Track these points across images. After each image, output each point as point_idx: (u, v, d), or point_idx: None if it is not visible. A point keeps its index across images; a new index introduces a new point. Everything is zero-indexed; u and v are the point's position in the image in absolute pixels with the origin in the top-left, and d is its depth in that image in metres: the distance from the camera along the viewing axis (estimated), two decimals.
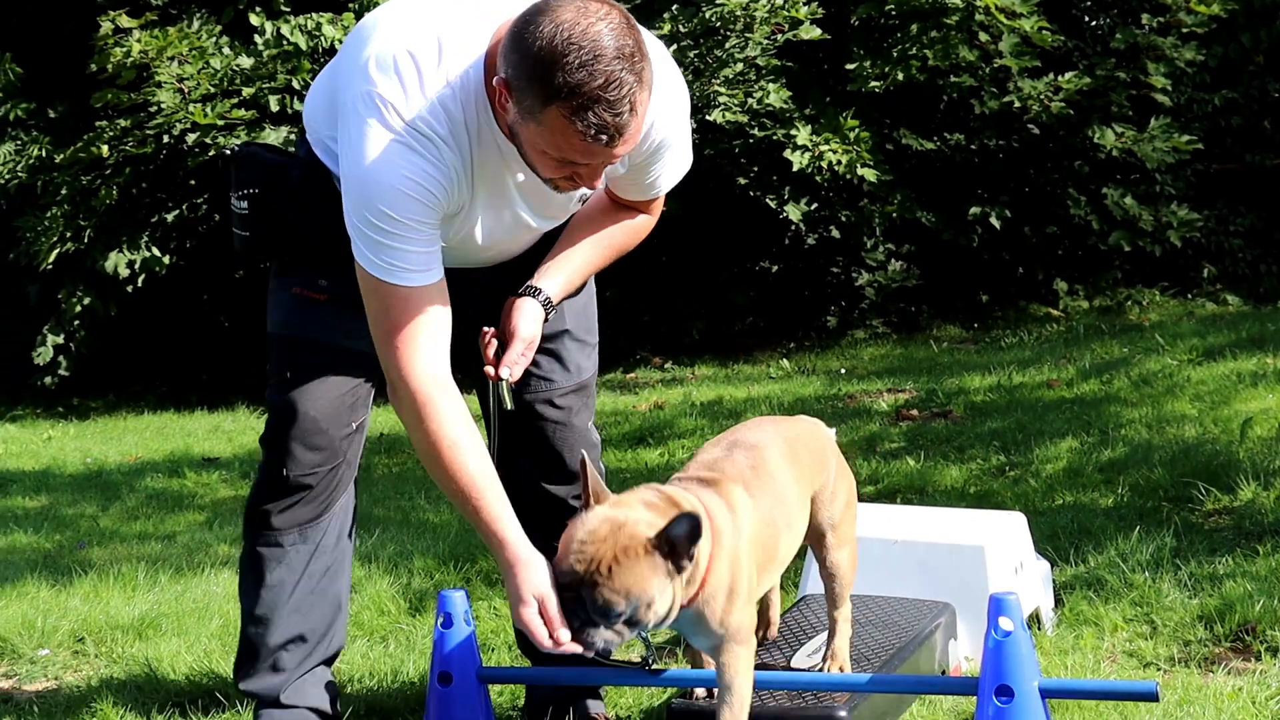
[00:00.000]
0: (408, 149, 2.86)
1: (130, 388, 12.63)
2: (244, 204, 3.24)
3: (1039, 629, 4.02)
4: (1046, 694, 2.89)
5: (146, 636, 4.59)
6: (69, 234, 11.20)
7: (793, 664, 3.41)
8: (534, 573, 2.82)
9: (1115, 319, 10.92)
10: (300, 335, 3.25)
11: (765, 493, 2.98)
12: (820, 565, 3.23)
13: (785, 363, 10.72)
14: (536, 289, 3.17)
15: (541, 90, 2.70)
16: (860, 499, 4.96)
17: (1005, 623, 2.87)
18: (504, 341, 3.16)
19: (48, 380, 12.10)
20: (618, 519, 2.72)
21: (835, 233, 11.63)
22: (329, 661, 3.48)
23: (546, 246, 3.29)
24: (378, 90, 2.86)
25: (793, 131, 10.55)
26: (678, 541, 2.68)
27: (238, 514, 3.10)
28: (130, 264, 11.29)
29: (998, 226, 11.37)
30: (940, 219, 11.55)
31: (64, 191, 11.19)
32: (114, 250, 11.29)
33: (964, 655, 3.81)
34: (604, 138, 2.72)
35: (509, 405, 3.21)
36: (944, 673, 3.68)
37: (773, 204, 11.16)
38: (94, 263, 11.35)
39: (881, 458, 6.72)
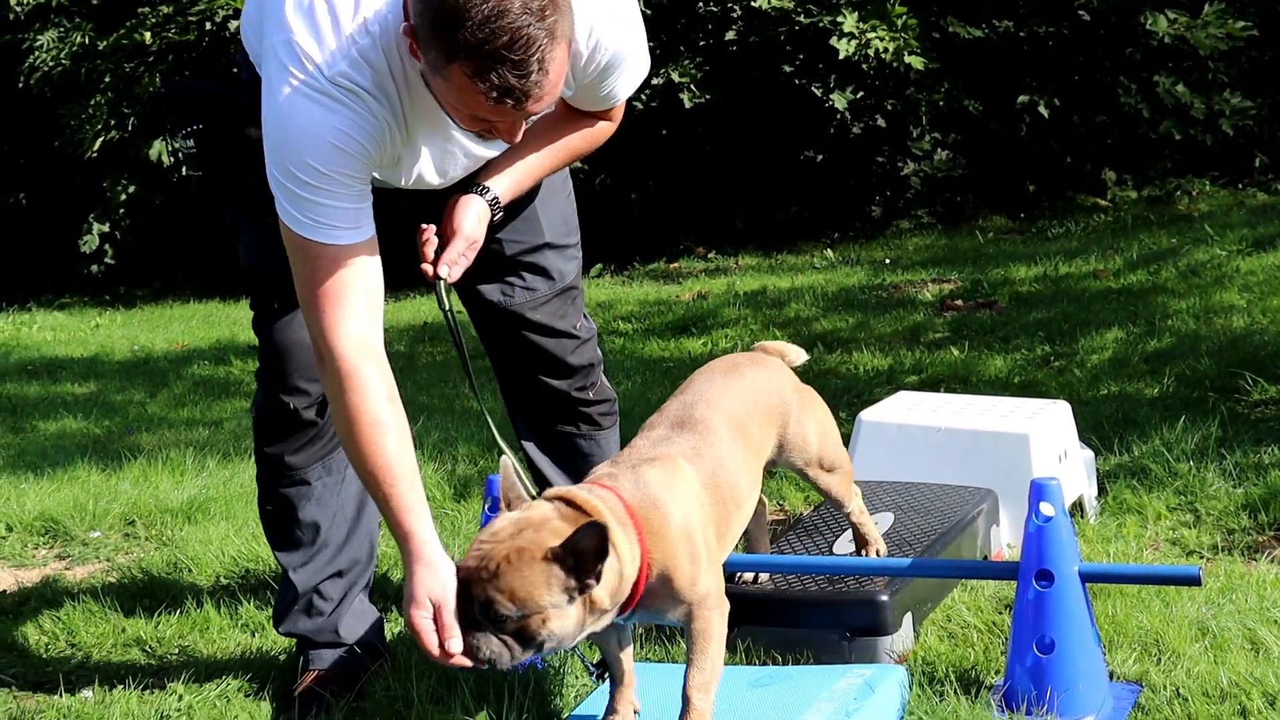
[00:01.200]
0: (332, 101, 2.68)
1: (176, 276, 12.69)
2: (190, 143, 3.09)
3: (1082, 517, 4.01)
4: (1087, 578, 2.89)
5: (195, 520, 4.65)
6: (113, 122, 11.20)
7: (834, 549, 3.42)
8: (434, 575, 2.55)
9: (1164, 209, 10.78)
10: (277, 268, 2.94)
11: (713, 462, 2.78)
12: (815, 488, 3.14)
13: (829, 253, 10.67)
14: (484, 188, 3.02)
15: (443, 46, 2.51)
16: (903, 388, 4.98)
17: (1046, 508, 2.87)
18: (445, 240, 3.00)
19: (94, 269, 12.18)
20: (524, 521, 2.52)
21: (881, 122, 11.49)
22: (368, 585, 3.40)
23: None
24: (295, 39, 2.68)
25: (839, 18, 10.40)
26: (583, 555, 2.43)
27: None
28: (174, 151, 11.29)
29: (1046, 115, 11.21)
30: (987, 108, 11.39)
31: (107, 79, 11.18)
32: (158, 138, 11.29)
33: (1006, 542, 3.82)
34: (509, 101, 2.53)
35: (447, 305, 3.03)
36: (985, 558, 3.69)
37: (818, 92, 11.04)
38: (138, 151, 11.36)
39: (925, 348, 6.70)
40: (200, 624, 3.70)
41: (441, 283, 2.97)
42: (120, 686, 3.28)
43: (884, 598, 3.11)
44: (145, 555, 4.36)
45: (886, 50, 10.22)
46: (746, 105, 11.33)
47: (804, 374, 6.34)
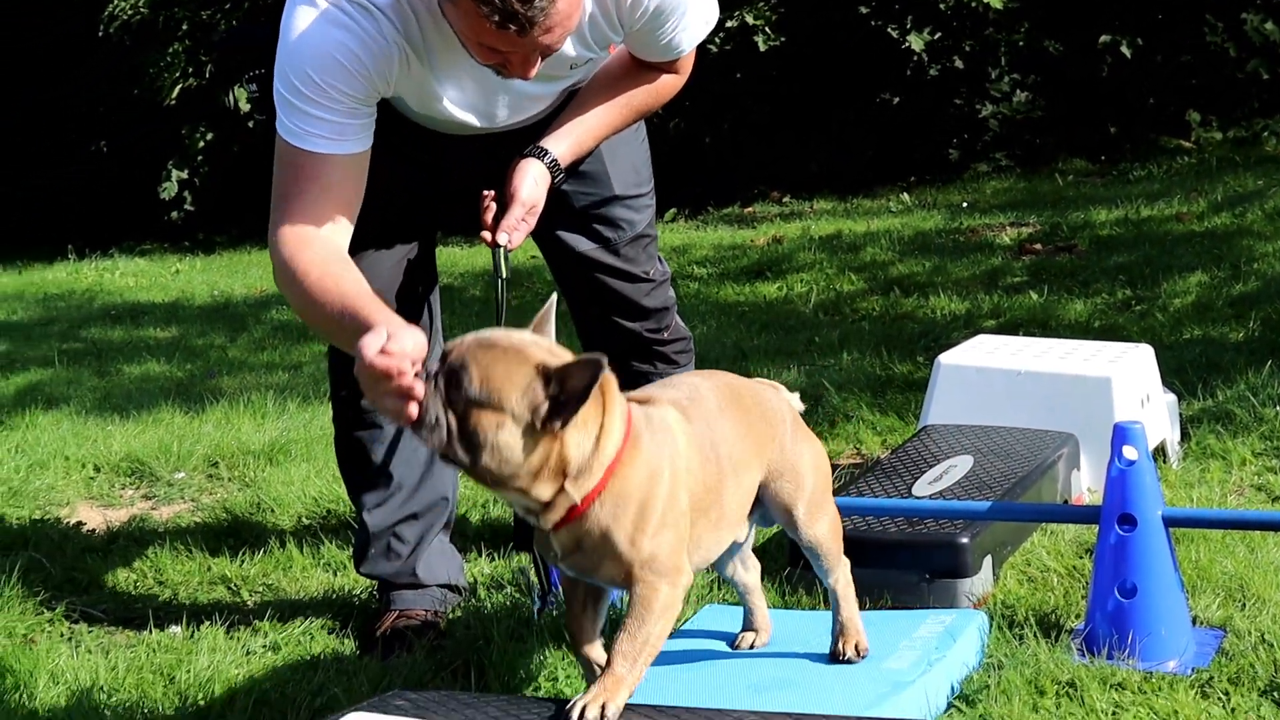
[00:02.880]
0: (344, 16, 2.68)
1: (254, 222, 12.80)
2: (254, 87, 3.13)
3: (1164, 462, 3.98)
4: (1170, 523, 2.87)
5: (277, 461, 4.71)
6: (190, 69, 11.28)
7: (913, 492, 3.41)
8: (407, 331, 2.29)
9: (1250, 150, 10.60)
10: None
11: (703, 423, 2.47)
12: (798, 542, 2.68)
13: (905, 197, 10.58)
14: (543, 150, 2.97)
15: None
16: (981, 333, 4.94)
17: (1129, 451, 2.84)
18: (504, 205, 2.96)
19: (174, 215, 12.30)
20: (528, 334, 2.29)
21: (959, 63, 11.35)
22: (448, 525, 3.41)
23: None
24: None
25: None
26: (570, 390, 2.18)
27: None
28: (251, 98, 11.36)
29: (1128, 55, 11.03)
30: (1068, 48, 11.22)
31: (185, 26, 11.25)
32: (235, 85, 11.36)
33: (1087, 487, 3.79)
34: (512, 26, 2.47)
35: (505, 273, 3.00)
36: (1065, 502, 3.67)
37: (895, 34, 10.92)
38: (216, 98, 11.44)
39: (1004, 292, 6.64)
40: (283, 563, 3.75)
41: (501, 250, 2.96)
42: (206, 623, 3.34)
43: (964, 540, 3.10)
44: (229, 496, 4.42)
45: None
46: (822, 47, 11.23)
47: (880, 318, 6.33)
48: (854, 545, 3.15)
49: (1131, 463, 2.84)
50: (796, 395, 2.77)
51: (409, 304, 3.20)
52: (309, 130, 2.71)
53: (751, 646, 2.78)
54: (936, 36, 11.01)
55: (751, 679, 2.61)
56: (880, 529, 3.21)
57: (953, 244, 8.09)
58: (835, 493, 2.76)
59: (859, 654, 2.64)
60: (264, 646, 3.21)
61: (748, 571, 2.81)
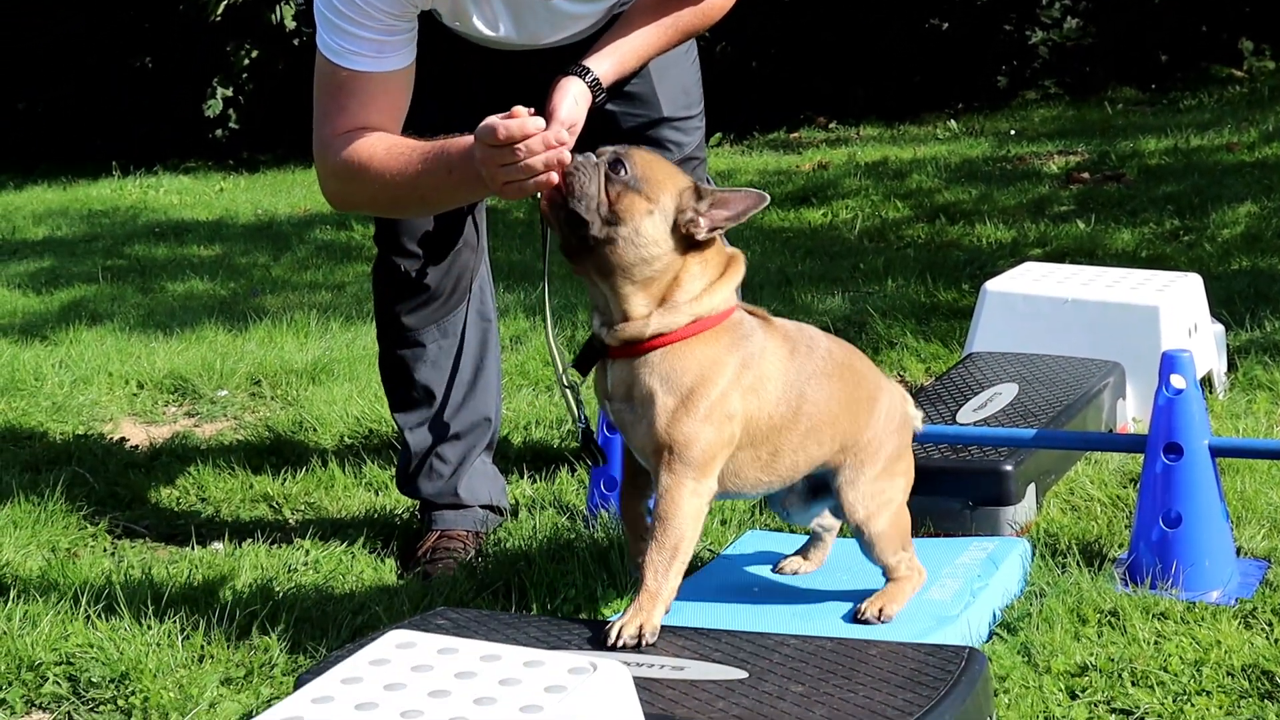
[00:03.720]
0: None
1: (298, 141, 12.78)
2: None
3: (1211, 392, 3.94)
4: (1217, 452, 2.84)
5: (319, 381, 4.72)
6: None
7: (957, 419, 3.39)
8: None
9: None
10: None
11: (801, 369, 2.45)
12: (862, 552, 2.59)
13: (953, 123, 10.47)
14: (585, 69, 2.88)
15: None
16: (1026, 260, 4.89)
17: (1177, 380, 2.81)
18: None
19: (218, 133, 12.29)
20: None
21: None
22: (490, 446, 3.41)
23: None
24: None
25: None
26: (721, 209, 2.36)
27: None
28: (297, 15, 11.31)
29: None
30: None
31: None
32: (281, 1, 11.31)
33: (1132, 416, 3.76)
34: None
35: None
36: (1110, 431, 3.64)
37: None
38: (261, 15, 11.40)
39: (1050, 220, 6.58)
40: (325, 482, 3.76)
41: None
42: (249, 540, 3.36)
43: (1008, 468, 3.08)
44: (271, 414, 4.44)
45: None
46: None
47: (925, 245, 6.28)
48: None
49: (1179, 391, 2.81)
50: (919, 414, 2.67)
51: (453, 221, 3.20)
52: (349, 49, 2.74)
53: (795, 572, 2.75)
54: None
55: (794, 605, 2.61)
56: (924, 455, 3.18)
57: (999, 172, 8.01)
58: None
59: (880, 618, 2.50)
60: (305, 564, 3.23)
61: (825, 529, 2.76)
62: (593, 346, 2.47)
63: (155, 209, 9.65)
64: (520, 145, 2.41)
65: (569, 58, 2.94)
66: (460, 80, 3.04)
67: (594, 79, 2.90)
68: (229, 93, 11.99)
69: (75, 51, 13.02)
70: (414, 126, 2.81)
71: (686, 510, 2.32)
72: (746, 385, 2.38)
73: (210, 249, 7.81)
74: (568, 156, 2.41)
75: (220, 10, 11.14)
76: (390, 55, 2.77)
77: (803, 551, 2.79)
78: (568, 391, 2.60)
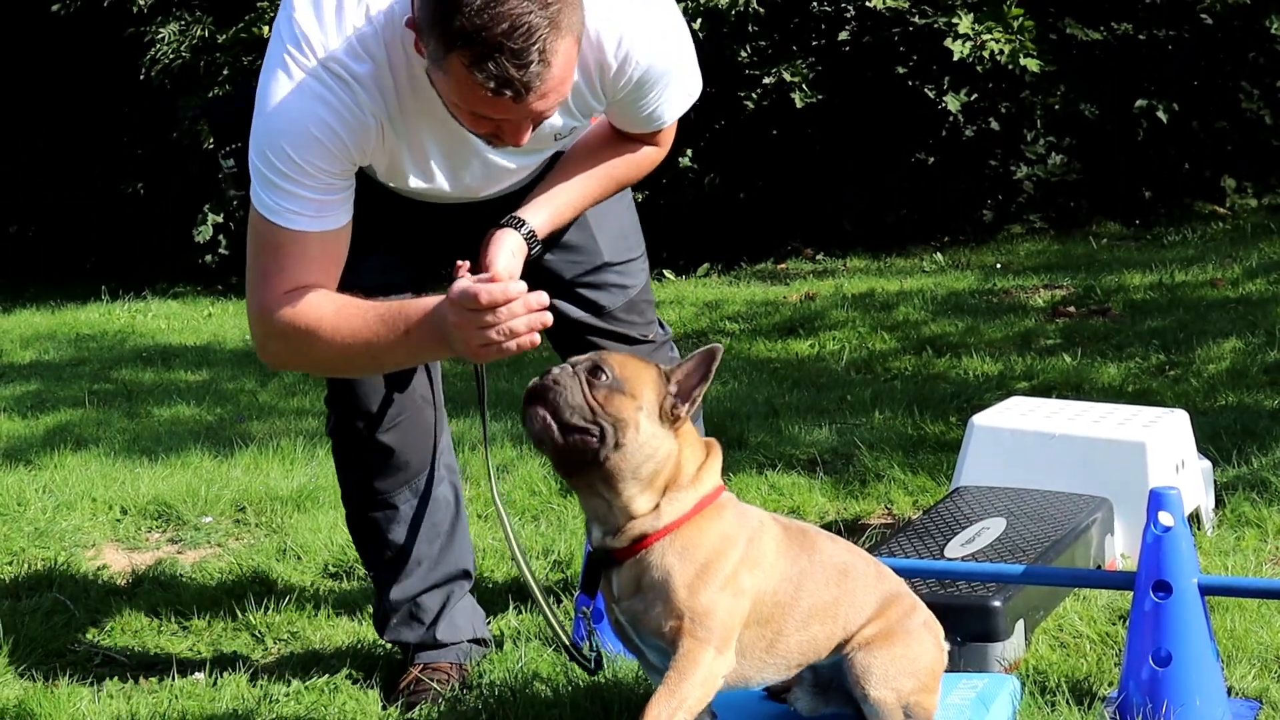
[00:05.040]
0: (321, 87, 2.63)
1: None
2: (230, 162, 3.06)
3: (1199, 529, 3.93)
4: (1206, 591, 2.83)
5: (304, 508, 4.70)
6: None
7: (945, 553, 3.38)
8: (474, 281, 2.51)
9: None
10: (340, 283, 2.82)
11: (798, 551, 2.49)
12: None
13: (939, 256, 10.56)
14: (520, 221, 2.87)
15: (442, 35, 2.43)
16: (1014, 394, 4.91)
17: (1165, 517, 2.81)
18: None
19: (208, 259, 12.35)
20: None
21: (994, 124, 11.35)
22: (469, 589, 3.37)
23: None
24: (297, 18, 2.65)
25: (954, 19, 10.29)
26: (685, 381, 2.40)
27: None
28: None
29: (1164, 120, 11.01)
30: (1104, 112, 11.21)
31: (225, 72, 11.33)
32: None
33: (1120, 552, 3.75)
34: (508, 92, 2.44)
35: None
36: (1099, 567, 3.63)
37: (931, 94, 10.93)
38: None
39: (1037, 354, 6.61)
40: (309, 612, 3.73)
41: None
42: (230, 670, 3.32)
43: (997, 604, 3.07)
44: (255, 541, 4.41)
45: (1002, 52, 10.09)
46: (858, 106, 11.24)
47: (912, 378, 6.30)
48: None
49: (1167, 529, 2.81)
50: (948, 646, 2.63)
51: (406, 378, 3.13)
52: (289, 208, 2.69)
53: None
54: (973, 98, 11.02)
55: None
56: (911, 589, 3.17)
57: (986, 305, 8.07)
58: (868, 551, 2.72)
59: None
60: (287, 695, 3.19)
61: None
62: (596, 560, 2.44)
63: (143, 333, 9.66)
64: (502, 309, 2.43)
65: (504, 209, 2.92)
66: (395, 235, 3.00)
67: (529, 230, 2.87)
68: (219, 219, 12.07)
69: (66, 176, 13.13)
70: (349, 283, 2.76)
71: (704, 671, 2.29)
72: (752, 559, 2.40)
73: (197, 374, 7.81)
74: (549, 318, 2.45)
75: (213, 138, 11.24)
76: (329, 214, 2.72)
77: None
78: (546, 610, 2.70)
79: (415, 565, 3.23)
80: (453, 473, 3.30)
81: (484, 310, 2.43)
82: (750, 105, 10.96)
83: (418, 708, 3.08)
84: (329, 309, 2.66)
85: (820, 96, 10.87)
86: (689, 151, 11.37)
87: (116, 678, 3.38)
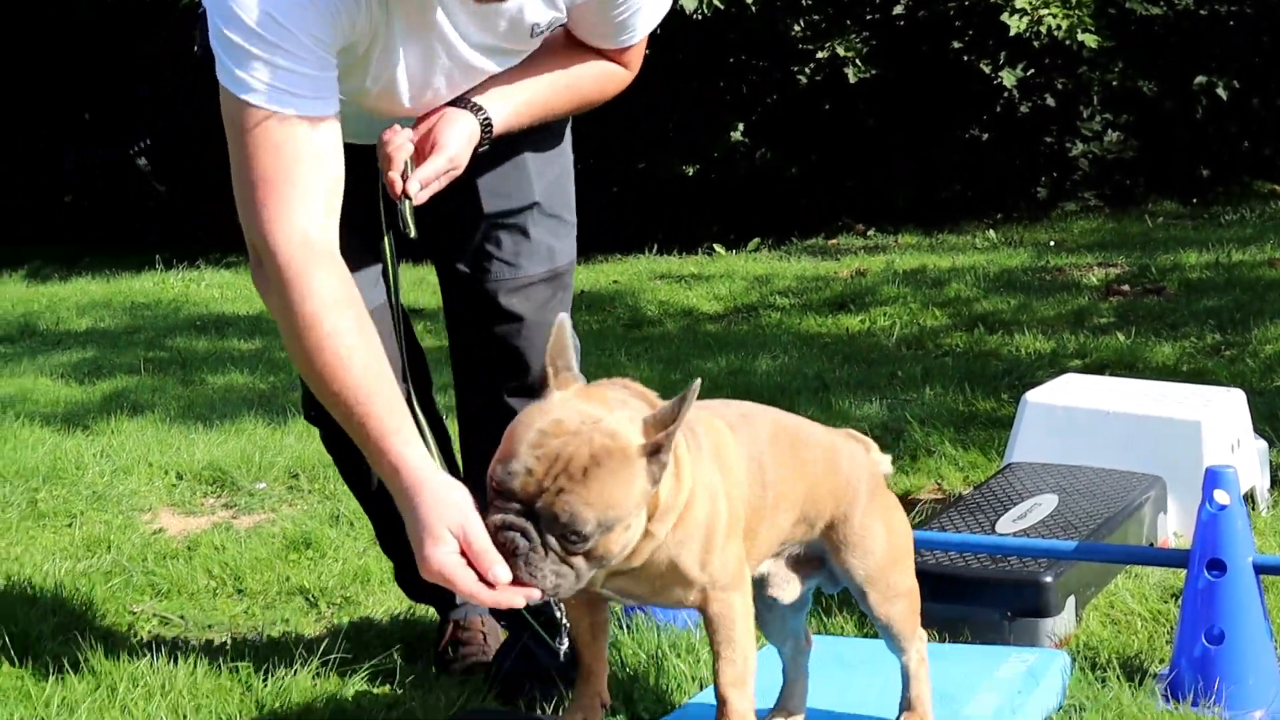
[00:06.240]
0: None
1: (342, 237, 12.90)
2: (144, 161, 2.64)
3: (1254, 509, 3.91)
4: (1261, 570, 2.81)
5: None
6: None
7: (996, 528, 3.37)
8: (446, 501, 2.02)
9: None
10: None
11: (751, 443, 2.24)
12: (871, 618, 2.46)
13: (991, 233, 10.51)
14: (477, 106, 2.46)
15: None
16: (1066, 372, 4.89)
17: (1221, 495, 2.79)
18: (420, 155, 2.43)
19: None
20: (591, 411, 1.98)
21: (1050, 101, 11.28)
22: None
23: None
24: None
25: None
26: (664, 450, 1.98)
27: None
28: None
29: (1224, 97, 10.91)
30: (1162, 88, 11.12)
31: None
32: None
33: (1173, 531, 3.73)
34: None
35: (413, 232, 2.43)
36: (1151, 545, 3.61)
37: (987, 70, 10.87)
38: None
39: (1090, 332, 6.58)
40: (361, 576, 3.76)
41: (407, 204, 2.41)
42: (284, 633, 3.36)
43: (1048, 579, 3.06)
44: (309, 507, 4.45)
45: (1059, 27, 10.01)
46: (912, 81, 11.19)
47: (964, 354, 6.28)
48: (936, 581, 3.13)
49: (1223, 507, 2.79)
50: (887, 458, 2.50)
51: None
52: (278, 85, 2.21)
53: None
54: (1029, 73, 10.95)
55: (824, 716, 2.59)
56: (963, 565, 3.17)
57: (1039, 283, 8.02)
58: (916, 527, 2.72)
59: None
60: (341, 658, 3.22)
61: (799, 645, 2.53)
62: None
63: (197, 302, 9.74)
64: (476, 599, 1.99)
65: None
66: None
67: (486, 119, 2.48)
68: None
69: (118, 145, 13.23)
70: None
71: (742, 615, 2.17)
72: (732, 483, 2.17)
73: (250, 343, 7.87)
74: (512, 591, 1.96)
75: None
76: (329, 95, 2.27)
77: (783, 703, 2.56)
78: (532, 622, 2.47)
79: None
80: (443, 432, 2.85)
81: (460, 592, 1.99)
82: (803, 80, 10.93)
83: (458, 671, 2.99)
84: (324, 330, 2.16)
85: (874, 71, 10.83)
86: (740, 125, 11.35)
87: (173, 640, 3.42)
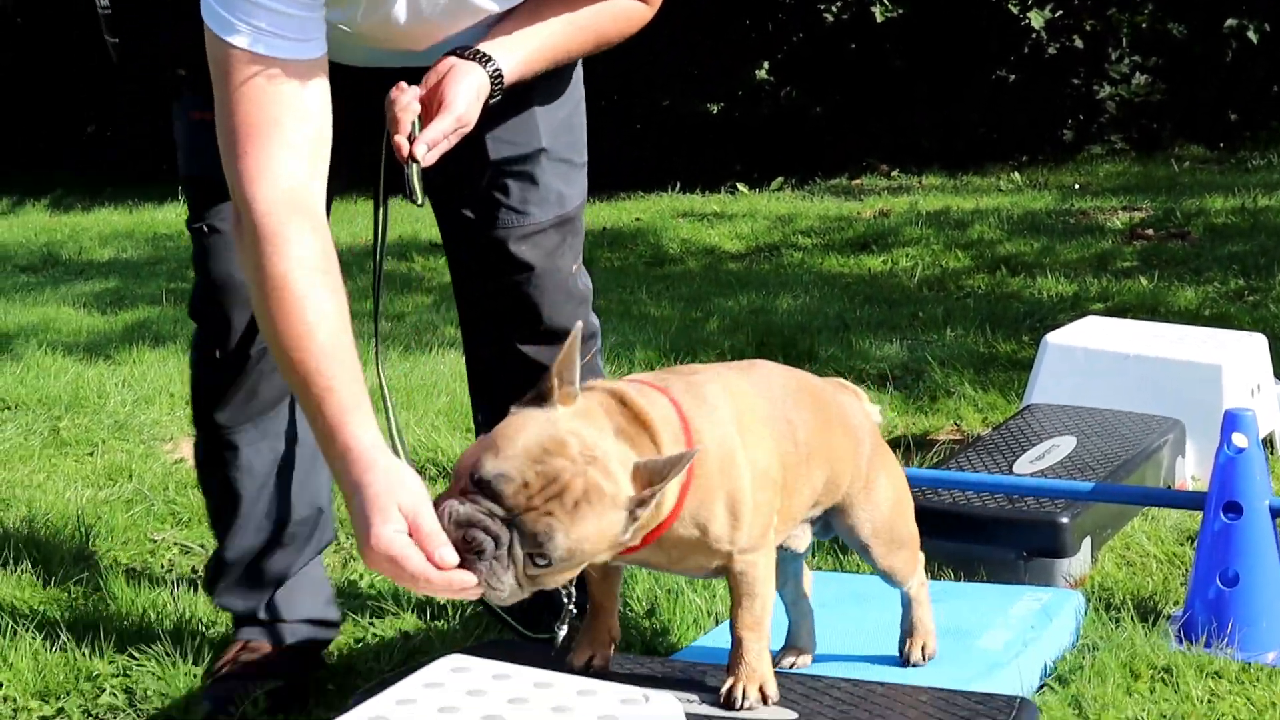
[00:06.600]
0: None
1: (363, 173, 12.88)
2: (105, 0, 2.55)
3: (1272, 454, 3.90)
4: (1277, 514, 2.82)
5: (376, 408, 4.73)
6: None
7: (1014, 469, 3.38)
8: (396, 482, 1.91)
9: None
10: (212, 174, 2.25)
11: (772, 399, 2.17)
12: (875, 568, 2.42)
13: (1016, 175, 10.45)
14: (485, 56, 2.31)
15: None
16: (1088, 314, 4.87)
17: (1239, 438, 2.79)
18: (427, 113, 2.30)
19: None
20: (591, 446, 1.89)
21: (1078, 42, 11.18)
22: (321, 550, 2.84)
23: None
24: None
25: None
26: (655, 490, 1.90)
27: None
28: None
29: (1255, 41, 10.80)
30: (1192, 31, 11.01)
31: None
32: None
33: (1191, 474, 3.73)
34: None
35: (419, 199, 2.34)
36: (1169, 488, 3.61)
37: (1014, 10, 10.77)
38: None
39: (1113, 275, 6.55)
40: None
41: (415, 166, 2.30)
42: None
43: (1064, 520, 3.07)
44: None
45: None
46: (938, 21, 11.10)
47: (985, 296, 6.26)
48: (952, 520, 3.15)
49: (1241, 450, 2.79)
50: (877, 408, 2.45)
51: None
52: (261, 27, 2.11)
53: (793, 665, 2.50)
54: (1057, 14, 10.85)
55: (843, 651, 2.60)
56: (979, 504, 3.18)
57: (1062, 225, 7.99)
58: (933, 467, 2.73)
59: (925, 657, 2.45)
60: (358, 588, 3.25)
61: (800, 586, 2.49)
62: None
63: None
64: (423, 582, 1.85)
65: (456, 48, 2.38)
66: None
67: (496, 70, 2.33)
68: None
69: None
70: None
71: (767, 578, 2.15)
72: (752, 443, 2.09)
73: None
74: (460, 574, 1.86)
75: None
76: (314, 39, 2.16)
77: (791, 643, 2.54)
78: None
79: (249, 519, 2.71)
80: None
81: (404, 575, 1.86)
82: (829, 18, 10.85)
83: (218, 698, 2.63)
84: (293, 295, 2.04)
85: (900, 11, 10.75)
86: (765, 64, 11.28)
87: (192, 568, 3.45)
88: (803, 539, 2.36)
